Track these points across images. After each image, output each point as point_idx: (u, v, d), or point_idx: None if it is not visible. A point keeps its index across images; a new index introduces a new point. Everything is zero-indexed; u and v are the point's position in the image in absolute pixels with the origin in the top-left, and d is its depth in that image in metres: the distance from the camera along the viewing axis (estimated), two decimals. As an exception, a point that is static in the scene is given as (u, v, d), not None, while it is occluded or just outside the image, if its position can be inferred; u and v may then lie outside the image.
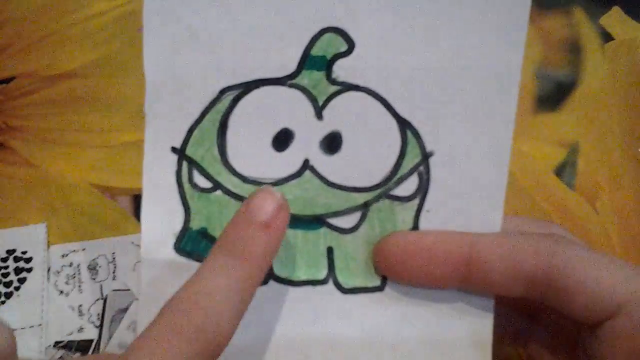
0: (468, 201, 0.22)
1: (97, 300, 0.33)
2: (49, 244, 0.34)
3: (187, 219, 0.22)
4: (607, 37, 0.35)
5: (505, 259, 0.21)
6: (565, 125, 0.34)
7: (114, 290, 0.33)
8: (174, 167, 0.22)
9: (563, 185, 0.32)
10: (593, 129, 0.33)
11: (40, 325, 0.32)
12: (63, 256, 0.33)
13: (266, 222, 0.20)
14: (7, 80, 0.33)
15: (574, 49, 0.36)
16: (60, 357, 0.32)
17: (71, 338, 0.32)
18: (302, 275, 0.23)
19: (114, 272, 0.33)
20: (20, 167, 0.34)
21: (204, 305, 0.19)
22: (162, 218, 0.22)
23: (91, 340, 0.32)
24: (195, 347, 0.18)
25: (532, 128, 0.34)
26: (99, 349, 0.31)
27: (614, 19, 0.33)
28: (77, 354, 0.32)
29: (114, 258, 0.33)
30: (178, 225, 0.22)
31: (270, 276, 0.23)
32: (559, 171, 0.33)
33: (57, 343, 0.32)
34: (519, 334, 0.26)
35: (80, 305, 0.33)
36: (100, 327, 0.32)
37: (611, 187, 0.32)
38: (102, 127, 0.34)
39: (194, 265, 0.22)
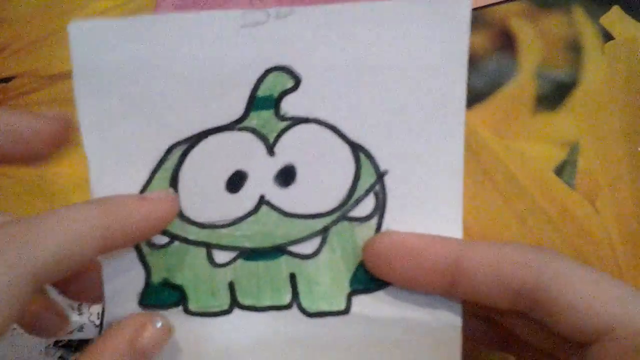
0: (426, 214, 0.22)
1: (97, 300, 0.33)
2: (49, 244, 0.34)
3: (147, 276, 0.22)
4: (607, 36, 0.35)
5: (492, 269, 0.20)
6: (565, 125, 0.33)
7: (114, 290, 0.33)
8: None
9: (563, 185, 0.32)
10: (593, 128, 0.33)
11: (40, 325, 0.32)
12: (63, 256, 0.33)
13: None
14: (7, 80, 0.33)
15: (574, 49, 0.36)
16: (60, 357, 0.32)
17: (71, 337, 0.32)
18: (266, 301, 0.23)
19: (114, 272, 0.33)
20: (20, 167, 0.34)
21: None
22: (123, 281, 0.22)
23: (91, 340, 0.32)
24: None
25: (532, 128, 0.34)
26: (99, 348, 0.31)
27: (614, 19, 0.33)
28: (77, 354, 0.32)
29: (114, 258, 0.33)
30: (140, 284, 0.22)
31: (234, 304, 0.23)
32: (559, 171, 0.33)
33: (57, 342, 0.32)
34: (510, 342, 0.25)
35: (80, 305, 0.33)
36: (100, 326, 0.32)
37: (611, 187, 0.32)
38: (102, 127, 0.34)
39: (160, 312, 0.22)
